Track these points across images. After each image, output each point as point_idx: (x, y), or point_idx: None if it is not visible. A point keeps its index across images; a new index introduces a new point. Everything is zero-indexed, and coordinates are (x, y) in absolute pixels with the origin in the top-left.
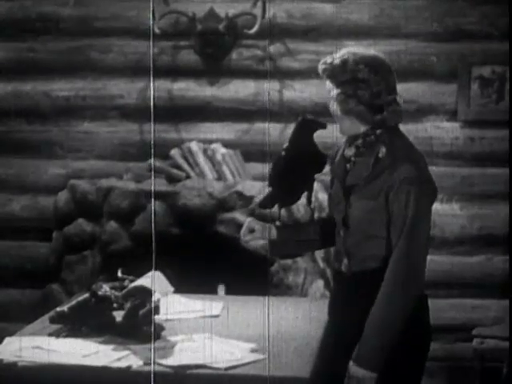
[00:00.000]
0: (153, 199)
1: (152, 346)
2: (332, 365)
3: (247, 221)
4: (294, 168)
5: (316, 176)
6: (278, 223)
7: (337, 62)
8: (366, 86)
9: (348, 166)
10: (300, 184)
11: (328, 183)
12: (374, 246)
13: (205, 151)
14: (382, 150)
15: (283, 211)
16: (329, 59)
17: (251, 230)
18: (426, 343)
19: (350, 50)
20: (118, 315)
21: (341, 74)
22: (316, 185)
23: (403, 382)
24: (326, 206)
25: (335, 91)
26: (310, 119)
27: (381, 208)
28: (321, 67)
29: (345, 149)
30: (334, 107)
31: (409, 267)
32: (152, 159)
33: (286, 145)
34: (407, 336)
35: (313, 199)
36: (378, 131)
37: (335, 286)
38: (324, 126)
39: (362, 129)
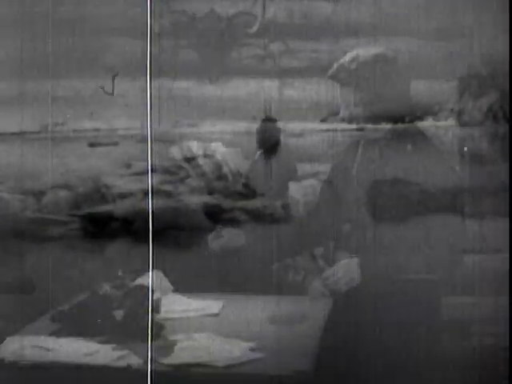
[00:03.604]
0: (150, 198)
1: (149, 345)
2: (332, 363)
3: (216, 228)
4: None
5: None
6: None
7: (353, 64)
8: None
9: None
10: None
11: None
12: None
13: (205, 150)
14: (409, 147)
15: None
16: (343, 63)
17: (218, 237)
18: None
19: (357, 51)
20: (119, 314)
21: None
22: (313, 182)
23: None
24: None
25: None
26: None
27: None
28: (340, 71)
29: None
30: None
31: None
32: (149, 159)
33: None
34: None
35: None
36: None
37: None
38: None
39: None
